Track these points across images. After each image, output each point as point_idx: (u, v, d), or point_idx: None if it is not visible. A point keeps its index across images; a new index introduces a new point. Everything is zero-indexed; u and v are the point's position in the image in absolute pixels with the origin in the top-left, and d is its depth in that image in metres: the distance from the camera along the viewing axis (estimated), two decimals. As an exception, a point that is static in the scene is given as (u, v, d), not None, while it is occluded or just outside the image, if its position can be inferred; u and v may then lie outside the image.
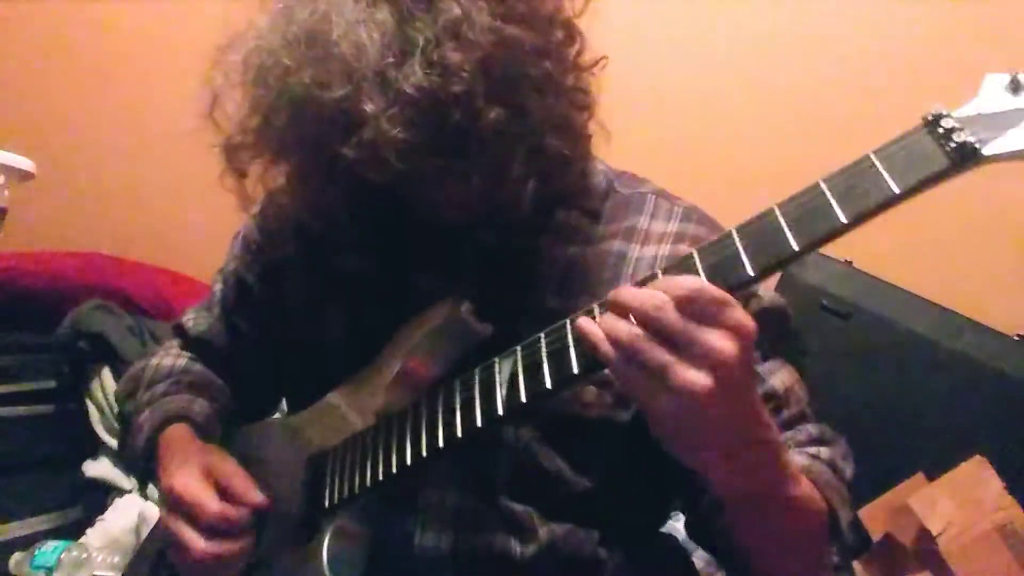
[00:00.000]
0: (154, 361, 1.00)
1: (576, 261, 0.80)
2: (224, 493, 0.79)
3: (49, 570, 1.45)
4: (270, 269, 0.93)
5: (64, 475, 1.75)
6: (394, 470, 0.72)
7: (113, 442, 1.77)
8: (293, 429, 0.88)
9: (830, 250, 1.79)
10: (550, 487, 0.78)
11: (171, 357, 1.01)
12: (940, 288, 1.65)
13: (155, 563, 0.94)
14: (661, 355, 0.55)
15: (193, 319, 1.03)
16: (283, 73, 0.67)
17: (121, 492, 1.73)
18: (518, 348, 0.68)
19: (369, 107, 0.64)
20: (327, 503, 0.78)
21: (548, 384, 0.64)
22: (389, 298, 0.81)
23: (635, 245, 0.82)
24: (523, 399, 0.65)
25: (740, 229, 0.59)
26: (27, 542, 1.53)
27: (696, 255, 0.60)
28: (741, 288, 0.58)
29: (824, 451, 0.76)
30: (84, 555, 1.48)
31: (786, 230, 0.57)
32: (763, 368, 0.77)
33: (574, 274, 0.80)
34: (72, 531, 1.64)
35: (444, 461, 0.72)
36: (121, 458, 1.71)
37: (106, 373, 1.81)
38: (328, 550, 0.74)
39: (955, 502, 1.46)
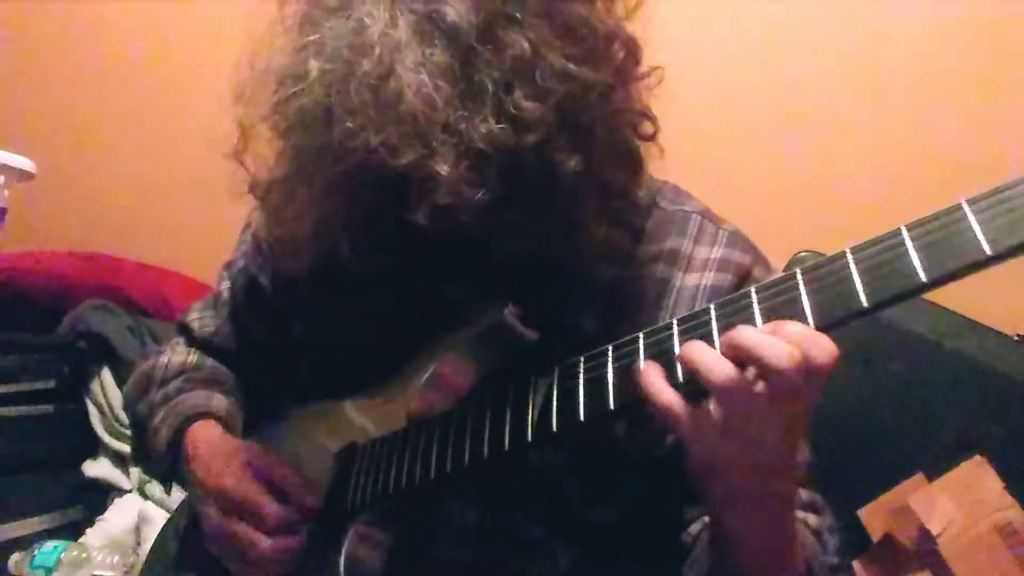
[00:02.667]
0: (163, 359, 0.98)
1: (616, 284, 0.76)
2: (275, 490, 0.79)
3: (48, 570, 1.44)
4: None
5: (64, 475, 1.76)
6: (418, 482, 0.71)
7: (113, 442, 1.77)
8: (316, 426, 0.87)
9: (830, 250, 1.79)
10: (571, 515, 0.77)
11: (180, 354, 0.99)
12: (940, 288, 1.64)
13: (176, 562, 0.94)
14: (754, 406, 0.53)
15: (199, 319, 1.01)
16: (342, 135, 0.60)
17: (121, 492, 1.73)
18: (556, 370, 0.65)
19: (444, 169, 0.58)
20: (349, 504, 0.77)
21: (581, 416, 0.62)
22: (412, 303, 0.78)
23: (678, 272, 0.78)
24: (554, 428, 0.63)
25: (806, 272, 0.55)
26: (27, 542, 1.53)
27: (754, 296, 0.57)
28: None
29: (812, 519, 0.76)
30: (84, 555, 1.48)
31: (857, 283, 0.52)
32: None
33: (613, 297, 0.76)
34: (72, 531, 1.65)
35: (468, 476, 0.70)
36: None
37: (106, 373, 1.81)
38: (347, 554, 0.74)
39: (955, 502, 1.46)
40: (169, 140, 2.21)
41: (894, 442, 1.63)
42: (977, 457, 1.52)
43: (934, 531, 1.43)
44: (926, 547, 1.45)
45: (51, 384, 1.78)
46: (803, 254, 1.79)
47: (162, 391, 0.94)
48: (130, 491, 1.73)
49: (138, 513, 1.63)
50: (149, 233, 2.23)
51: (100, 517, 1.66)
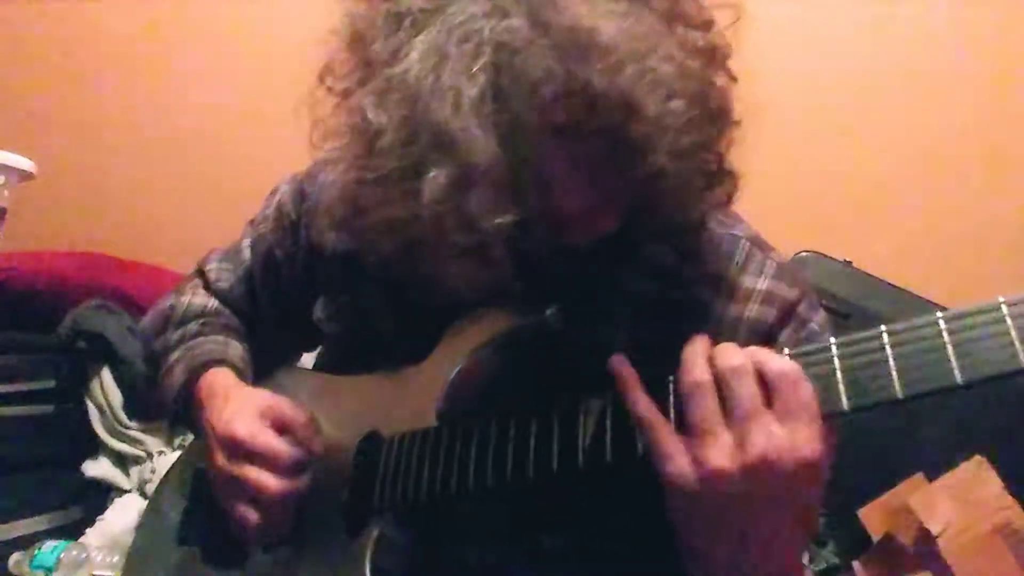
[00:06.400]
0: (184, 299, 0.97)
1: (657, 302, 0.74)
2: (285, 432, 0.79)
3: (48, 570, 1.44)
4: (303, 248, 0.89)
5: (64, 475, 1.75)
6: (454, 491, 0.69)
7: (113, 442, 1.77)
8: (327, 402, 0.86)
9: (830, 250, 1.79)
10: (591, 527, 0.75)
11: (201, 296, 0.98)
12: (940, 288, 1.65)
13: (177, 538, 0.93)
14: (708, 416, 0.55)
15: (216, 270, 1.00)
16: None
17: (121, 492, 1.73)
18: (609, 396, 0.64)
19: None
20: (376, 501, 0.75)
21: (640, 450, 0.60)
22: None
23: (721, 299, 0.76)
24: (608, 458, 0.62)
25: (840, 346, 0.55)
26: (27, 542, 1.52)
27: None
28: (826, 419, 0.54)
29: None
30: (84, 555, 1.48)
31: (894, 374, 0.52)
32: None
33: (653, 317, 0.74)
34: (72, 531, 1.64)
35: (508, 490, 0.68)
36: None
37: (106, 373, 1.81)
38: (371, 559, 0.72)
39: (955, 502, 1.46)
40: (169, 140, 2.21)
41: (894, 442, 1.63)
42: (977, 457, 1.52)
43: (934, 531, 1.43)
44: (926, 547, 1.45)
45: (51, 384, 1.78)
46: (803, 254, 1.79)
47: (180, 331, 0.94)
48: (130, 491, 1.73)
49: (138, 513, 1.63)
50: (149, 233, 2.23)
51: (100, 517, 1.66)
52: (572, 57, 0.55)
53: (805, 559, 1.59)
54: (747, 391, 0.54)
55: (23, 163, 1.70)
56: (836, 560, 1.62)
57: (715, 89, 0.64)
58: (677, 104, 0.58)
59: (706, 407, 0.55)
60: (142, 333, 1.01)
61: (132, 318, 1.86)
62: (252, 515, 0.77)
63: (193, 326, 0.94)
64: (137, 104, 2.22)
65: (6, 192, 1.69)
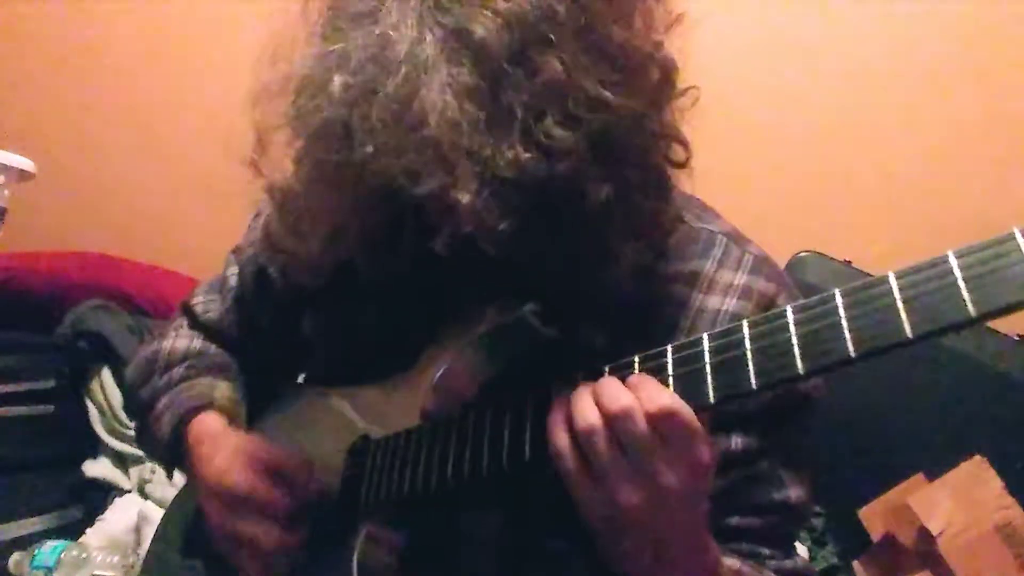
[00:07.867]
0: (167, 344, 0.97)
1: (633, 301, 0.73)
2: (281, 479, 0.78)
3: (49, 570, 1.44)
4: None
5: (64, 475, 1.75)
6: (433, 485, 0.69)
7: (113, 442, 1.77)
8: (320, 417, 0.86)
9: (830, 250, 1.80)
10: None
11: (184, 339, 0.97)
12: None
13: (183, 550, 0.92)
14: (608, 458, 0.56)
15: (203, 303, 1.00)
16: (362, 156, 0.57)
17: (121, 492, 1.73)
18: (579, 379, 0.64)
19: (465, 198, 0.56)
20: (363, 499, 0.76)
21: None
22: (425, 299, 0.77)
23: (698, 293, 0.75)
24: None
25: (796, 311, 0.54)
26: (27, 542, 1.52)
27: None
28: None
29: None
30: (84, 555, 1.48)
31: (846, 334, 0.51)
32: (786, 475, 0.75)
33: (628, 315, 0.73)
34: (72, 531, 1.64)
35: (487, 483, 0.68)
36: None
37: (106, 373, 1.81)
38: (359, 555, 0.72)
39: (955, 502, 1.46)
40: (169, 140, 2.21)
41: (894, 442, 1.63)
42: (977, 457, 1.52)
43: (934, 531, 1.43)
44: (926, 547, 1.46)
45: (51, 384, 1.78)
46: (803, 254, 1.79)
47: (165, 377, 0.93)
48: (130, 491, 1.73)
49: (138, 513, 1.63)
50: (149, 233, 2.23)
51: (100, 517, 1.66)
52: None
53: (804, 553, 1.59)
54: (638, 431, 0.56)
55: (23, 163, 1.70)
56: (836, 560, 1.62)
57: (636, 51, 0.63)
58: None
59: (603, 450, 0.57)
60: (129, 385, 1.00)
61: (132, 318, 1.86)
62: (256, 569, 0.76)
63: (179, 371, 0.93)
64: (137, 104, 2.22)
65: (6, 192, 1.69)
